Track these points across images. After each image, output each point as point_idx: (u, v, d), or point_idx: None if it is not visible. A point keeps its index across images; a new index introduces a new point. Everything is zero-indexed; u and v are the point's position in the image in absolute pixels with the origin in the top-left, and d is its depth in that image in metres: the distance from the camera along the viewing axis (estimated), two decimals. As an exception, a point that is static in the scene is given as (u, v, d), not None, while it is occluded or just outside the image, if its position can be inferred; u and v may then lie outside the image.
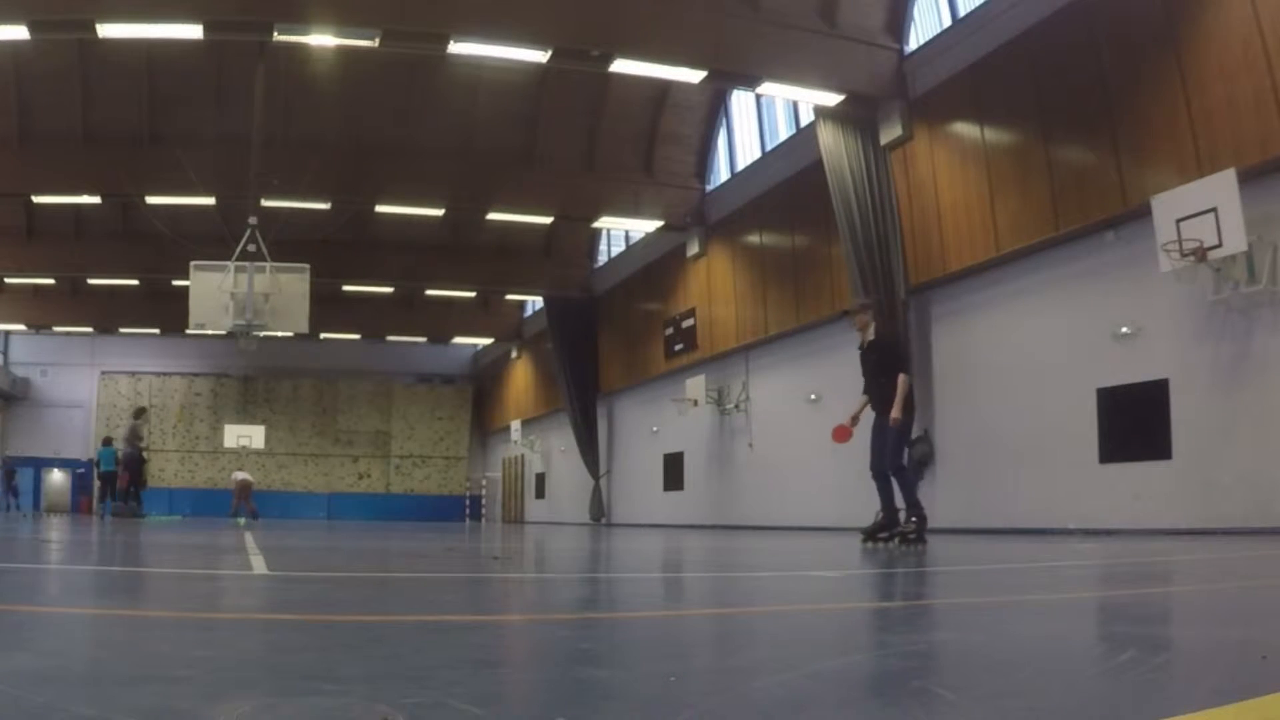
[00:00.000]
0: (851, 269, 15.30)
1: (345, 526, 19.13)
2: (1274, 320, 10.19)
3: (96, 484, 25.38)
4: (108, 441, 23.31)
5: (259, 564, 5.53)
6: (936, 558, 7.15)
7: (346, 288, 28.69)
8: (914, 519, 8.21)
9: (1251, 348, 10.40)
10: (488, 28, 13.97)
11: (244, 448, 32.98)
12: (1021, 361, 13.39)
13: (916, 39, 15.55)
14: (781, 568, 6.22)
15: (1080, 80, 12.22)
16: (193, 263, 17.33)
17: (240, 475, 25.21)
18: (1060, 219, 12.52)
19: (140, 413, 22.85)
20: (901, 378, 8.37)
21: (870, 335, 8.80)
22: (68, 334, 33.70)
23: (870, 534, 8.62)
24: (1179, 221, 10.33)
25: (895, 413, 8.24)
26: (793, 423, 18.56)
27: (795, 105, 18.72)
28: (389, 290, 30.36)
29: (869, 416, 8.69)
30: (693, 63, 14.86)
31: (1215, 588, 4.30)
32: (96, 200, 21.10)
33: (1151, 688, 1.78)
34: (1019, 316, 13.60)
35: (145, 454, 22.09)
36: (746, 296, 20.24)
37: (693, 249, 22.31)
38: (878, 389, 8.54)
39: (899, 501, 8.39)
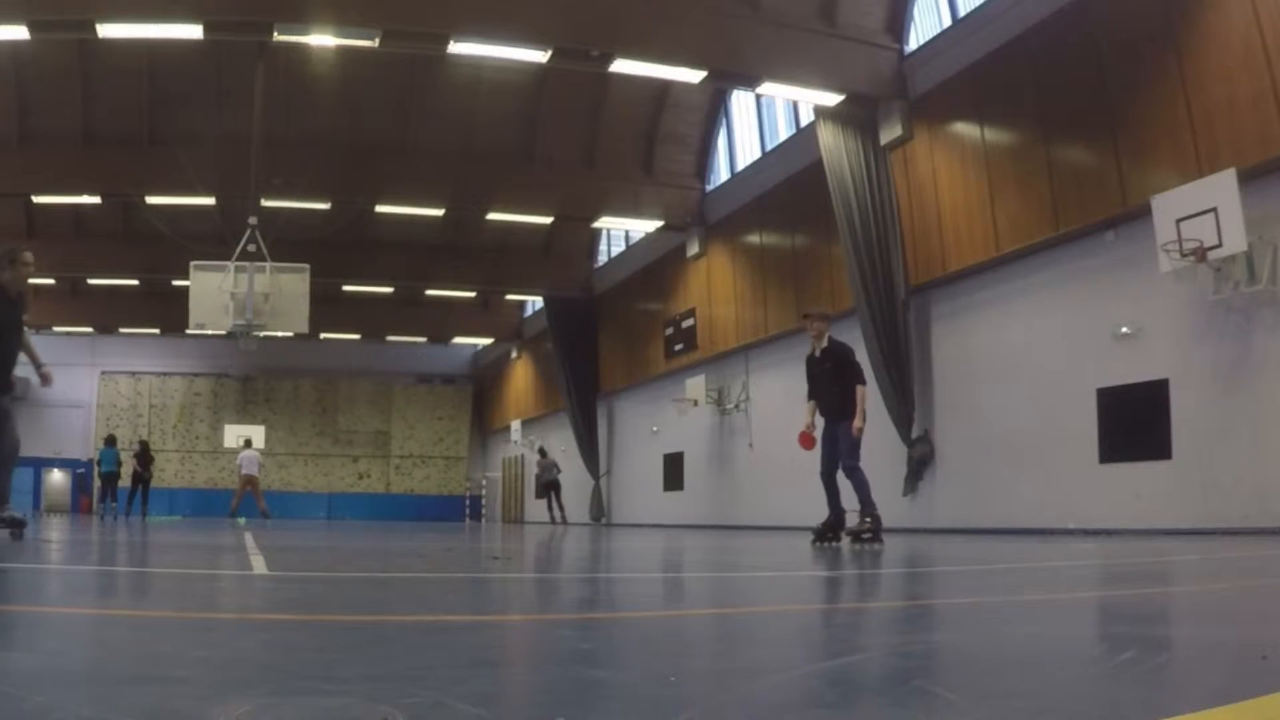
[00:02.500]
0: (851, 269, 15.29)
1: (345, 526, 19.12)
2: (1274, 320, 10.19)
3: (97, 484, 25.38)
4: (110, 441, 23.30)
5: (259, 564, 5.53)
6: (937, 558, 7.16)
7: (346, 288, 28.69)
8: (868, 519, 8.50)
9: (1251, 348, 10.40)
10: (487, 28, 13.98)
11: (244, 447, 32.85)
12: (1021, 361, 13.38)
13: (916, 39, 15.55)
14: (781, 567, 6.22)
15: (1080, 80, 12.22)
16: (193, 263, 17.35)
17: (248, 455, 22.45)
18: (1060, 219, 12.52)
19: (545, 453, 24.04)
20: (861, 389, 8.78)
21: (824, 344, 9.20)
22: (68, 334, 33.68)
23: (820, 534, 8.79)
24: (1179, 221, 10.34)
25: (859, 422, 8.65)
26: (793, 423, 18.30)
27: (795, 105, 18.71)
28: (389, 290, 30.34)
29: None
30: (693, 63, 14.86)
31: (1215, 588, 4.30)
32: (96, 200, 21.12)
33: (1151, 688, 1.78)
34: (1019, 317, 13.60)
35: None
36: (746, 296, 20.22)
37: (692, 249, 22.30)
38: (830, 397, 8.94)
39: (852, 504, 8.67)
